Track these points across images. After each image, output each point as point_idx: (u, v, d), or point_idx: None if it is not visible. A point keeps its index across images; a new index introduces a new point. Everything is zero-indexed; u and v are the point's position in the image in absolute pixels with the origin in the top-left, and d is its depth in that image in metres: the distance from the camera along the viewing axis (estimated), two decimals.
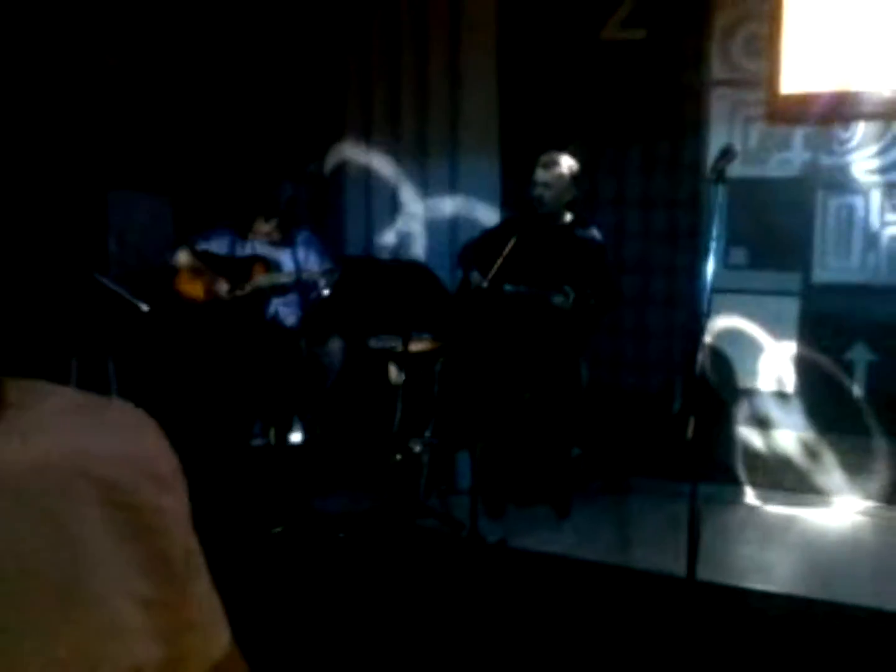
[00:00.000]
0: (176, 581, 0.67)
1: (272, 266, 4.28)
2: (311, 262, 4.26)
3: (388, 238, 5.19)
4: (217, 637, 0.73)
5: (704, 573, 2.68)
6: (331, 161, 5.33)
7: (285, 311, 4.30)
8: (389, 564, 3.48)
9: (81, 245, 4.42)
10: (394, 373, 4.20)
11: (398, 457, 3.90)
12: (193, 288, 4.30)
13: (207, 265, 4.30)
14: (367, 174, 5.24)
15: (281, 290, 4.27)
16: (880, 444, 4.26)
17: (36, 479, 0.59)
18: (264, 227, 4.35)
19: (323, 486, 4.15)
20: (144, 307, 3.71)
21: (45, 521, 0.59)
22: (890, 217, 4.28)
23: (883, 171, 4.27)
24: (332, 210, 5.36)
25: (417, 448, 4.06)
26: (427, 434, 4.16)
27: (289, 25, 5.24)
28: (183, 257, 4.29)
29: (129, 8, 4.72)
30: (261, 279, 4.25)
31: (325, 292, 3.91)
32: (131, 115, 4.85)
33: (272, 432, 4.27)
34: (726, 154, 2.85)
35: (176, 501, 0.69)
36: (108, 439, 0.66)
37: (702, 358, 2.74)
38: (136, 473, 0.65)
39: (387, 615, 3.04)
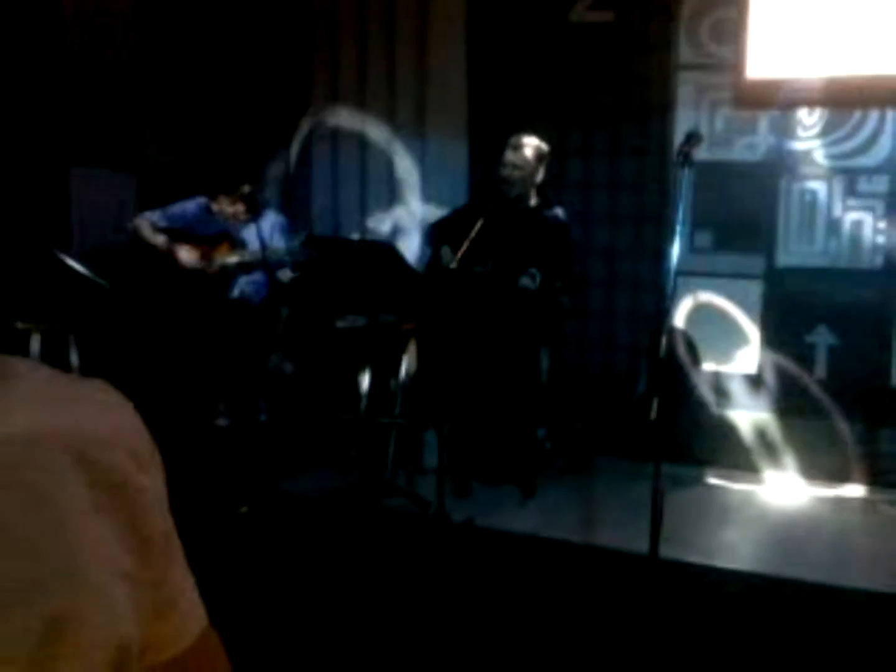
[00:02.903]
0: (156, 560, 0.66)
1: (238, 244, 4.25)
2: (277, 241, 4.24)
3: (356, 218, 5.17)
4: (195, 618, 0.73)
5: (667, 551, 2.72)
6: (296, 145, 5.29)
7: (250, 290, 4.28)
8: (356, 543, 3.48)
9: (42, 222, 4.35)
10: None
11: (358, 445, 3.89)
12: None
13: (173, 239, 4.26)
14: (336, 158, 5.21)
15: (247, 267, 4.24)
16: (839, 425, 4.34)
17: (17, 451, 0.59)
18: (229, 205, 4.31)
19: (290, 467, 4.14)
20: (106, 285, 3.67)
21: (26, 492, 0.58)
22: (852, 202, 4.35)
23: (846, 156, 4.32)
24: (300, 192, 5.32)
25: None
26: (395, 414, 4.16)
27: (258, 13, 5.18)
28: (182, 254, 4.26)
29: None
30: (227, 257, 4.22)
31: (288, 274, 3.89)
32: (95, 90, 4.76)
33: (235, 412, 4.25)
34: (692, 138, 2.88)
35: (154, 481, 0.68)
36: (88, 416, 0.65)
37: (666, 340, 2.77)
38: (116, 451, 0.64)
39: (353, 594, 3.05)
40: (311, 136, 5.26)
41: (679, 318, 4.55)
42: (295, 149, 5.30)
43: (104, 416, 0.66)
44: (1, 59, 4.15)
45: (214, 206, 4.30)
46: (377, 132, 5.09)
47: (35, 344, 3.70)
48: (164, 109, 5.13)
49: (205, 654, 0.73)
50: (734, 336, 4.53)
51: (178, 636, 0.70)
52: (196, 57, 5.15)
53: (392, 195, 5.12)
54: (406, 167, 5.07)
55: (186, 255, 4.23)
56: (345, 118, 5.16)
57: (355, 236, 4.93)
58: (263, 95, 5.24)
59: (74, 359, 3.77)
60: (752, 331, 4.50)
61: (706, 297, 4.54)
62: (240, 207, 4.29)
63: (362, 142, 5.13)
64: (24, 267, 3.91)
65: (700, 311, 4.57)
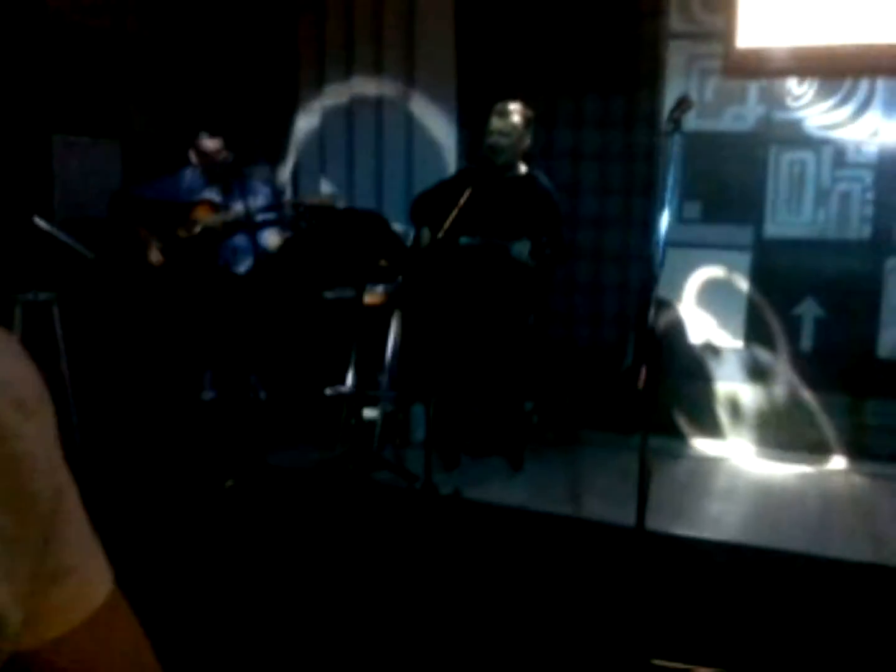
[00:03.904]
0: (43, 520, 0.60)
1: (220, 207, 4.20)
2: (263, 203, 4.20)
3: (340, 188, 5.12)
4: (97, 584, 0.67)
5: (654, 523, 2.72)
6: (285, 115, 5.22)
7: (235, 258, 4.23)
8: (344, 516, 3.48)
9: (24, 190, 4.28)
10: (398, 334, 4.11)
11: (352, 420, 3.87)
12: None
13: (152, 215, 4.21)
14: (323, 126, 5.14)
15: (232, 227, 4.18)
16: (825, 397, 4.35)
17: None
18: (210, 142, 4.25)
19: (276, 440, 4.12)
20: (89, 254, 3.62)
21: None
22: (840, 173, 4.32)
23: (835, 127, 4.30)
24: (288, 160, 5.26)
25: (373, 413, 4.04)
26: (382, 387, 4.14)
27: None
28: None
29: None
30: (209, 219, 4.17)
31: (275, 240, 3.83)
32: (77, 57, 4.68)
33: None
34: (682, 104, 2.84)
35: (41, 430, 0.61)
36: None
37: (654, 311, 2.74)
38: None
39: (342, 566, 3.04)
40: (297, 115, 5.20)
41: (667, 290, 4.54)
42: (290, 121, 5.23)
43: None
44: None
45: (201, 143, 4.25)
46: (365, 103, 5.03)
47: (17, 313, 3.65)
48: (149, 77, 5.05)
49: (109, 624, 0.68)
50: (722, 307, 4.52)
51: (74, 606, 0.65)
52: (181, 23, 5.06)
53: (380, 166, 5.06)
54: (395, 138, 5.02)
55: (156, 256, 4.19)
56: (331, 87, 5.09)
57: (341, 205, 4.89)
58: (250, 64, 5.17)
59: (58, 329, 3.73)
60: (740, 302, 4.49)
61: (695, 268, 4.53)
62: (218, 142, 4.24)
63: (349, 114, 5.06)
64: (5, 236, 3.85)
65: (689, 283, 4.55)
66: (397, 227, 3.98)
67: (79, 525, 0.66)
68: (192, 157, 4.31)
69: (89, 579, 0.66)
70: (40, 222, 3.64)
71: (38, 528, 0.60)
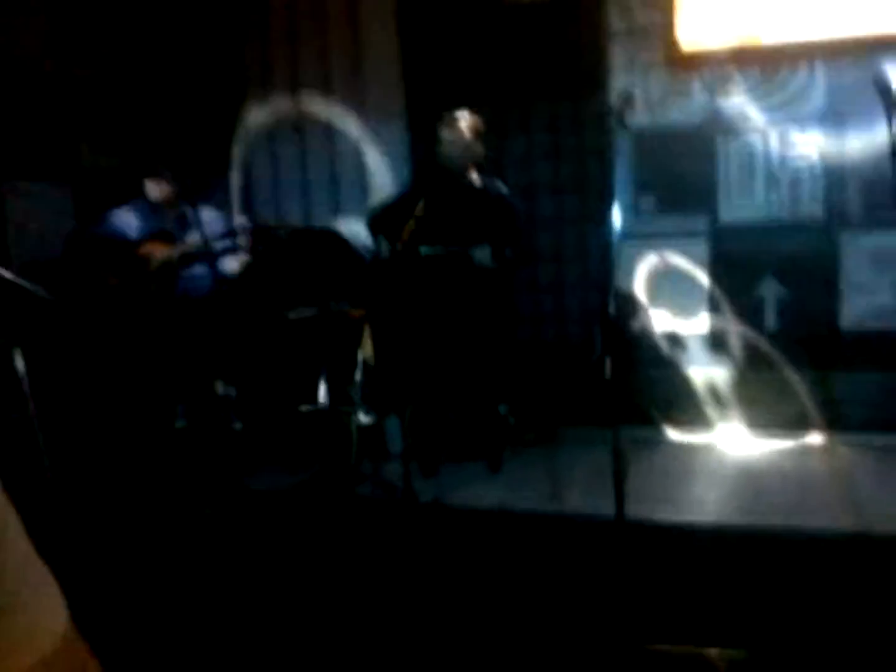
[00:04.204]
0: None
1: (174, 239, 4.20)
2: (217, 232, 4.19)
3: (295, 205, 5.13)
4: (49, 622, 0.61)
5: (634, 511, 2.74)
6: (232, 136, 5.23)
7: (194, 286, 4.22)
8: (326, 534, 3.47)
9: None
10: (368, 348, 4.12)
11: (319, 437, 3.87)
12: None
13: (108, 252, 4.19)
14: (273, 142, 5.16)
15: (189, 259, 4.18)
16: (791, 375, 4.40)
17: None
18: (155, 189, 4.24)
19: (253, 463, 4.10)
20: (47, 295, 3.59)
21: None
22: (788, 154, 4.40)
23: (778, 108, 4.37)
24: (240, 188, 5.26)
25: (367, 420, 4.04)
26: (356, 402, 4.14)
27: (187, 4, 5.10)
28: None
29: None
30: (164, 253, 4.16)
31: (234, 266, 3.83)
32: (27, 104, 4.67)
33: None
34: (624, 98, 2.90)
35: None
36: None
37: (613, 301, 2.77)
38: None
39: (328, 584, 3.03)
40: (245, 130, 5.20)
41: (629, 282, 4.58)
42: (239, 144, 5.23)
43: None
44: None
45: (147, 190, 4.23)
46: (314, 120, 5.05)
47: None
48: (95, 116, 5.03)
49: (64, 668, 0.61)
50: (684, 295, 4.58)
51: (20, 648, 0.58)
52: (123, 57, 5.06)
53: (334, 182, 5.08)
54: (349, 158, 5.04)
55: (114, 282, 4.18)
56: (279, 108, 5.11)
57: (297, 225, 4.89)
58: (195, 92, 5.17)
59: (22, 372, 3.69)
60: (702, 288, 4.54)
61: (654, 258, 4.58)
62: (166, 188, 4.23)
63: (299, 130, 5.08)
64: None
65: (649, 273, 4.61)
66: (363, 235, 4.00)
67: (22, 557, 0.61)
68: (146, 190, 4.29)
69: (38, 618, 0.61)
70: None
71: None
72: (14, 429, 3.70)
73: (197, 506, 3.66)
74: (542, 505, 3.70)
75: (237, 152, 5.23)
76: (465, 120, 4.09)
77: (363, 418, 4.21)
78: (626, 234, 2.94)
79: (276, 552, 3.32)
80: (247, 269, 3.96)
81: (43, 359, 3.98)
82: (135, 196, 4.42)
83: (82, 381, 4.12)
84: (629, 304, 4.57)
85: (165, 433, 4.12)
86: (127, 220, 4.30)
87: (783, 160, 4.41)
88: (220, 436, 4.05)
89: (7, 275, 3.75)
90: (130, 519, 3.58)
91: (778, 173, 4.42)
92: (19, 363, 3.42)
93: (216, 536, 3.49)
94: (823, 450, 4.23)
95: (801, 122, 4.35)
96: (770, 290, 4.45)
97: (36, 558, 0.61)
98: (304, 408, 4.18)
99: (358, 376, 4.19)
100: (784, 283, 4.42)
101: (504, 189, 4.21)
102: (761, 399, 4.45)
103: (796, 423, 4.36)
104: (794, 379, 4.39)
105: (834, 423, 4.32)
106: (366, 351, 4.19)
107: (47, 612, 0.61)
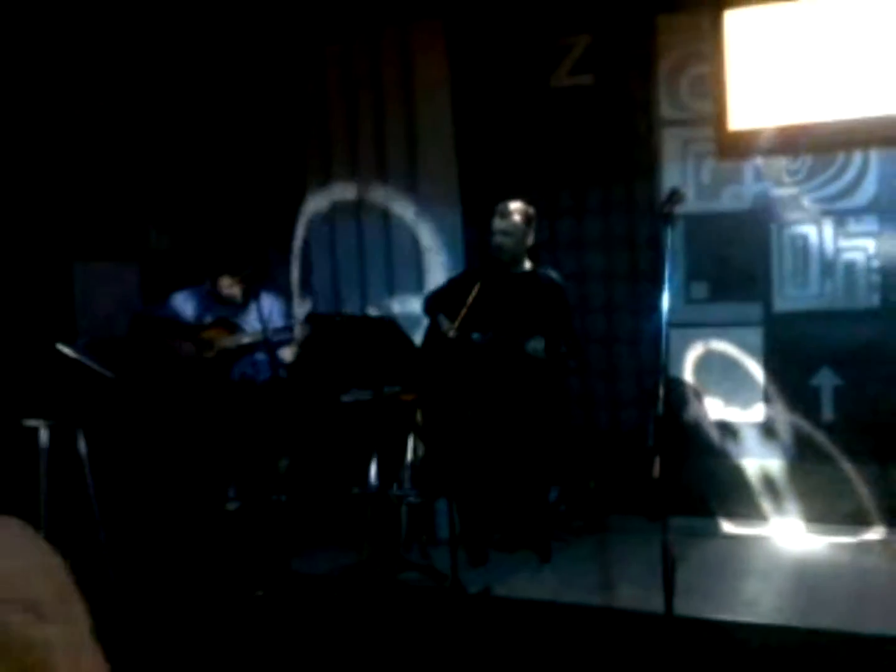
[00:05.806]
0: None
1: (236, 328, 4.31)
2: (276, 321, 4.30)
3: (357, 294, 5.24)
4: None
5: (684, 607, 2.69)
6: (299, 226, 5.39)
7: (252, 371, 4.32)
8: (373, 622, 3.45)
9: (46, 317, 4.43)
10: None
11: (369, 521, 3.88)
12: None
13: (168, 333, 4.33)
14: (332, 233, 5.30)
15: (247, 349, 4.29)
16: (849, 468, 4.30)
17: None
18: (228, 286, 4.37)
19: (301, 546, 4.12)
20: (111, 375, 3.72)
21: None
22: (843, 243, 4.38)
23: (832, 199, 4.37)
24: (300, 272, 5.41)
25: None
26: (406, 486, 4.16)
27: (251, 98, 5.33)
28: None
29: (90, 70, 4.77)
30: (226, 340, 4.27)
31: (290, 354, 3.93)
32: (96, 185, 4.89)
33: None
34: (673, 196, 2.92)
35: (60, 630, 0.57)
36: None
37: (664, 394, 2.76)
38: (4, 605, 0.55)
39: None
40: (306, 217, 5.37)
41: (683, 370, 4.56)
42: (300, 230, 5.39)
43: None
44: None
45: (221, 284, 4.36)
46: (371, 206, 5.19)
47: (43, 438, 3.74)
48: (163, 201, 5.25)
49: None
50: (739, 384, 4.53)
51: None
52: (192, 144, 5.29)
53: (390, 268, 5.19)
54: (405, 240, 5.16)
55: (188, 348, 4.30)
56: (338, 195, 5.27)
57: (354, 313, 4.99)
58: (260, 177, 5.37)
59: (83, 450, 3.80)
60: (756, 378, 4.49)
61: (707, 347, 4.56)
62: (236, 290, 4.35)
63: (358, 217, 5.22)
64: (29, 363, 3.97)
65: (703, 362, 4.58)
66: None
67: (80, 638, 0.61)
68: (220, 283, 4.40)
69: None
70: (63, 348, 3.76)
71: None
72: (74, 507, 3.80)
73: (246, 588, 3.68)
74: (591, 597, 3.64)
75: (298, 238, 5.39)
76: (517, 210, 4.16)
77: (412, 501, 4.22)
78: (678, 321, 2.94)
79: (320, 638, 3.32)
80: (301, 355, 4.05)
81: (103, 437, 4.10)
82: (198, 278, 4.56)
83: (140, 459, 4.22)
84: (682, 393, 4.54)
85: (218, 514, 4.18)
86: (185, 304, 4.44)
87: (837, 249, 4.39)
88: (272, 517, 4.09)
89: (71, 353, 3.90)
90: (184, 599, 3.62)
91: (832, 262, 4.40)
92: (81, 445, 3.54)
93: (263, 620, 3.50)
94: (883, 547, 4.10)
95: (856, 211, 4.34)
96: (827, 380, 4.38)
97: (92, 640, 0.63)
98: (355, 490, 4.21)
99: (408, 459, 4.22)
100: (840, 374, 4.36)
101: (558, 278, 4.26)
102: (818, 492, 4.35)
103: (854, 518, 4.24)
104: (852, 471, 4.29)
105: (894, 518, 4.19)
106: (417, 435, 4.22)
107: None
